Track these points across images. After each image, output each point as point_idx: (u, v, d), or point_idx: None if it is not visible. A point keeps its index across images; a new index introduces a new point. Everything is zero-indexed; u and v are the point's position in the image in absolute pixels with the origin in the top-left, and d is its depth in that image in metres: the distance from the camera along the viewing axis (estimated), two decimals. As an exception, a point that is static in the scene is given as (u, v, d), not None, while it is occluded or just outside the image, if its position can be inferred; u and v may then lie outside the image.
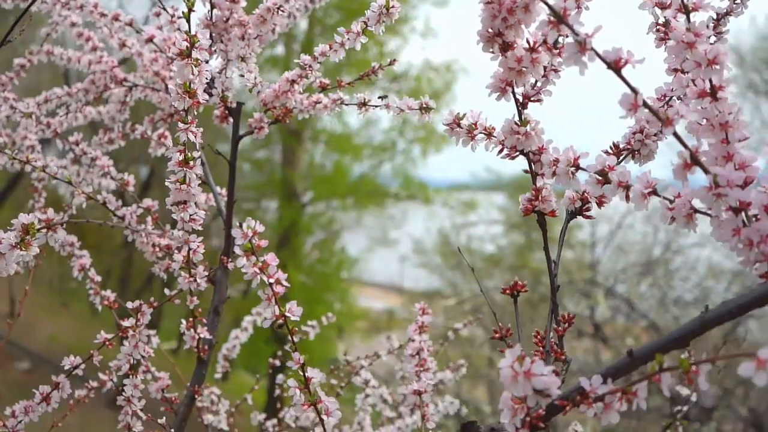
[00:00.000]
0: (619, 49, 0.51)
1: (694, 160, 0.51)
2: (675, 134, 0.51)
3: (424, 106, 0.83)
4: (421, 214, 11.16)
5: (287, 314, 0.63)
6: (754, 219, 0.52)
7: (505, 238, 10.82)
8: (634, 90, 0.51)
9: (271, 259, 0.62)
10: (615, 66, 0.51)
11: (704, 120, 0.55)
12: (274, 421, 1.42)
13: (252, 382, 1.63)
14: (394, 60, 0.98)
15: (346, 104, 0.95)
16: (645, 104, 0.51)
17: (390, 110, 0.89)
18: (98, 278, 1.09)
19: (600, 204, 0.68)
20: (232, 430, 1.27)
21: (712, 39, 0.72)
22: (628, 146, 0.69)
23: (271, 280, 0.62)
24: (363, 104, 0.92)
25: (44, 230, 0.67)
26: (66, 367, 0.92)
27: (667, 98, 0.69)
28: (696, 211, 0.55)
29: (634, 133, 0.69)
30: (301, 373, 0.65)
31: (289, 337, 0.64)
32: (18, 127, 1.28)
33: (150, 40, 1.00)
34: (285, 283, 0.62)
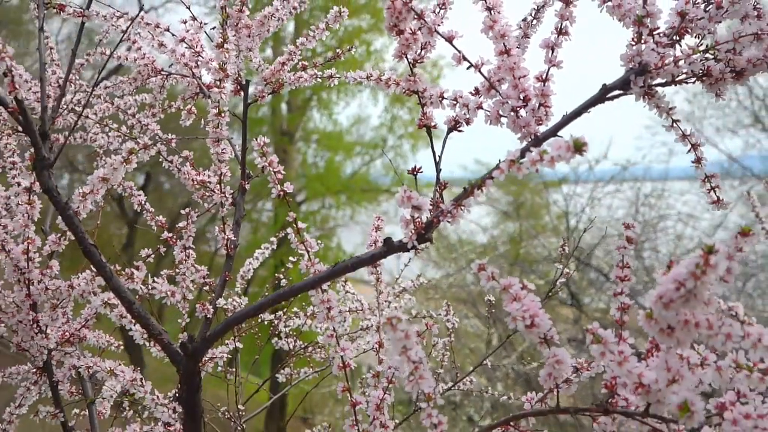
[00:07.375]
0: (451, 30, 0.98)
1: (491, 86, 0.99)
2: (480, 73, 0.98)
3: (369, 75, 1.30)
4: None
5: (285, 189, 1.10)
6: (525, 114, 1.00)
7: (497, 228, 11.30)
8: (459, 51, 0.98)
9: (274, 158, 1.10)
10: (449, 39, 0.98)
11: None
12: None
13: (255, 382, 2.02)
14: (352, 47, 1.46)
15: (320, 78, 1.43)
16: (464, 58, 0.98)
17: (348, 80, 1.36)
18: (152, 209, 1.56)
19: (467, 123, 1.15)
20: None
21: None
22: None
23: (275, 170, 1.09)
24: (331, 77, 1.40)
25: (141, 150, 1.13)
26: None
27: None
28: (500, 115, 1.02)
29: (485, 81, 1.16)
30: (295, 225, 1.12)
31: (288, 206, 1.12)
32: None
33: (182, 40, 1.47)
34: (282, 171, 1.10)
